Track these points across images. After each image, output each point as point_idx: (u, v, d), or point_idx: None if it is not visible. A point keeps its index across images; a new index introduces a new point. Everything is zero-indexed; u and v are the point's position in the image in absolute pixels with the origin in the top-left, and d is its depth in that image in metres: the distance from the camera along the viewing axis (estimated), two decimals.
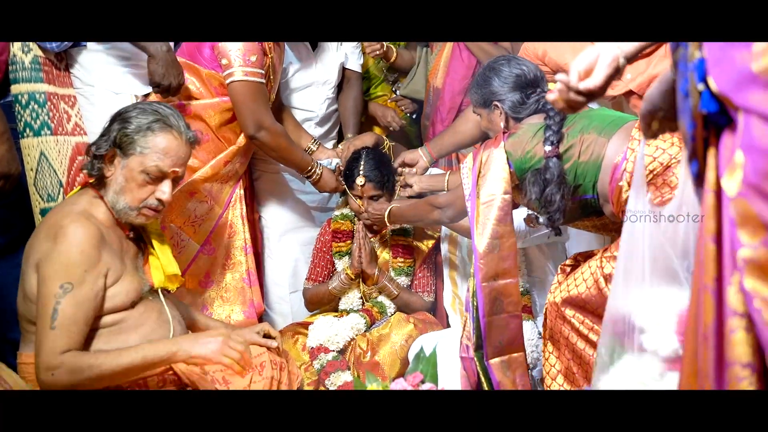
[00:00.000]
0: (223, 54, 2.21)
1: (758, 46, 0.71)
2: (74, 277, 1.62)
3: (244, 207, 2.51)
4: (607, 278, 1.73)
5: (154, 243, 1.88)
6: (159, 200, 1.77)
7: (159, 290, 1.88)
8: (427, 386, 1.53)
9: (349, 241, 2.60)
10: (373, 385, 1.54)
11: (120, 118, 1.79)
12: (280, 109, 2.65)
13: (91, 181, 1.80)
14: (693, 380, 0.91)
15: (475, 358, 1.86)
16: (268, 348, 2.11)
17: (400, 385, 1.50)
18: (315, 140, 2.69)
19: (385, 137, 2.78)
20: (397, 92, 3.07)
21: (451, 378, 1.97)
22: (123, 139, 1.75)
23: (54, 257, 1.64)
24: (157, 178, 1.76)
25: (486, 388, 1.87)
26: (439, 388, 1.68)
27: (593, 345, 1.77)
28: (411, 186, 2.51)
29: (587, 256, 1.91)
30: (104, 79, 2.21)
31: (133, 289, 1.77)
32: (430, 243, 2.60)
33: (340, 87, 2.88)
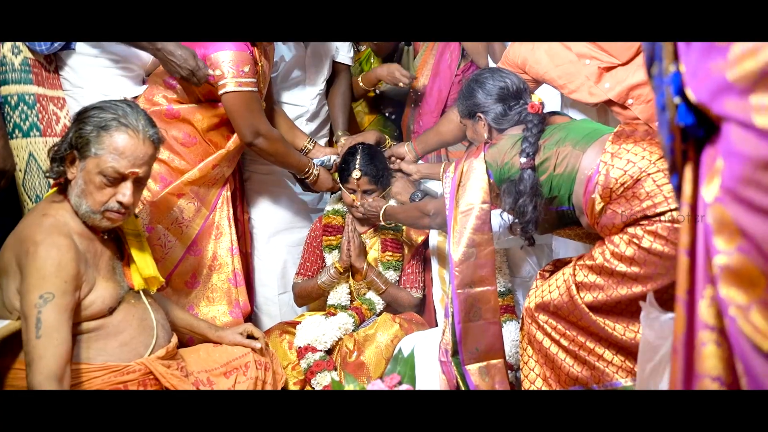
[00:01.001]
0: (216, 65, 2.16)
1: (733, 54, 0.69)
2: (54, 286, 1.53)
3: (231, 208, 2.47)
4: (579, 286, 1.71)
5: (131, 245, 1.81)
6: (120, 203, 1.66)
7: (141, 291, 1.82)
8: (404, 387, 1.49)
9: (339, 235, 2.56)
10: (350, 386, 1.50)
11: (78, 118, 1.68)
12: (272, 111, 2.60)
13: (60, 181, 1.71)
14: None
15: (453, 363, 1.83)
16: (252, 348, 2.08)
17: (377, 386, 1.47)
18: (311, 139, 2.64)
19: (386, 137, 2.74)
20: (377, 91, 3.02)
21: (429, 379, 1.94)
22: (78, 140, 1.64)
23: (31, 272, 1.54)
24: (116, 179, 1.64)
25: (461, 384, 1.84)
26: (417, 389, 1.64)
27: (565, 350, 1.75)
28: (410, 174, 2.49)
29: (565, 262, 1.89)
30: (94, 81, 2.16)
31: (109, 295, 1.70)
32: (420, 239, 2.56)
33: (329, 82, 2.83)
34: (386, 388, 1.46)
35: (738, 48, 0.68)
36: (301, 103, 2.72)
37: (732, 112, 0.70)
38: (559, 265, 1.92)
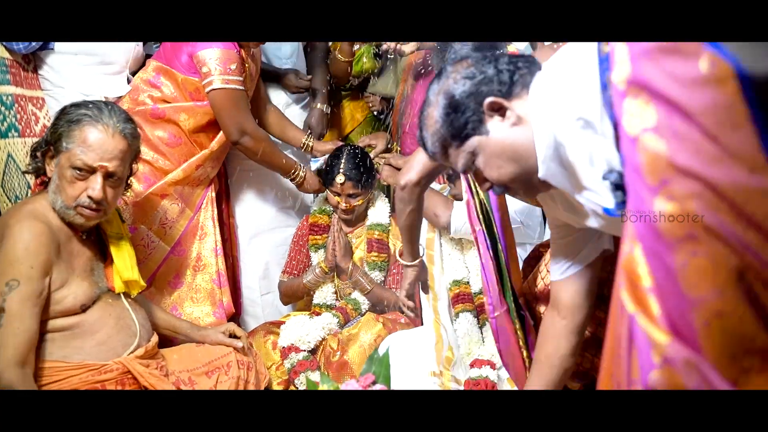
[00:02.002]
0: (203, 63, 2.13)
1: (616, 58, 0.72)
2: (20, 273, 1.54)
3: (215, 209, 2.42)
4: None
5: (112, 247, 1.79)
6: (90, 198, 1.64)
7: (122, 294, 1.80)
8: (379, 387, 1.45)
9: (325, 235, 2.52)
10: (324, 386, 1.47)
11: (57, 116, 1.69)
12: (266, 111, 2.56)
13: (43, 179, 1.72)
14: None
15: (508, 303, 1.71)
16: (235, 348, 2.04)
17: (351, 386, 1.43)
18: (309, 135, 2.58)
19: (394, 143, 2.68)
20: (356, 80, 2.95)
21: (405, 379, 1.90)
22: (53, 136, 1.65)
23: (0, 257, 1.55)
24: (86, 173, 1.63)
25: (520, 337, 1.73)
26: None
27: None
28: (398, 168, 2.44)
29: (546, 244, 1.82)
30: (74, 81, 2.13)
31: (82, 293, 1.68)
32: None
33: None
34: (360, 388, 1.43)
35: (618, 53, 0.72)
36: (274, 61, 2.67)
37: (616, 113, 0.75)
38: (543, 250, 1.85)
